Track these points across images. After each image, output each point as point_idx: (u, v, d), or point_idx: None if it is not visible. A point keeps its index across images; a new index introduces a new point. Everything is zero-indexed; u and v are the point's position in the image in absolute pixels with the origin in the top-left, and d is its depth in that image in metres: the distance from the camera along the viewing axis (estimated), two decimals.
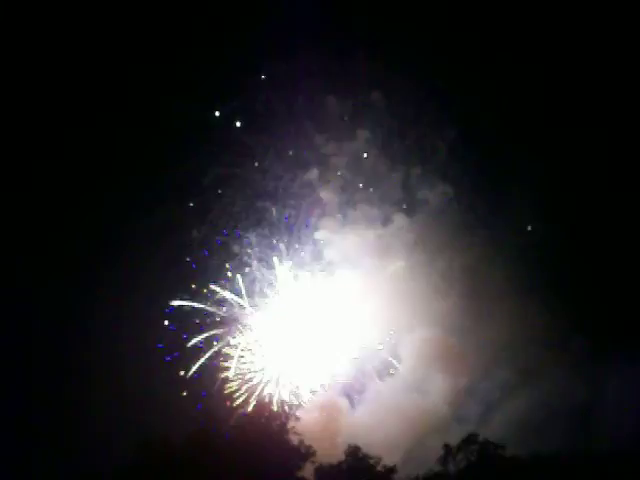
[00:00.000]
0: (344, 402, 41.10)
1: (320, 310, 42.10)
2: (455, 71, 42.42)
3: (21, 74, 40.06)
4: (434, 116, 43.60)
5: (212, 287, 40.33)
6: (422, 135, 43.97)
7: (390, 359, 42.98)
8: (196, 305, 40.38)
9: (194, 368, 39.77)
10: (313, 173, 43.90)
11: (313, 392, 40.89)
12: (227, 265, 41.43)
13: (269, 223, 42.72)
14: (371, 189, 44.52)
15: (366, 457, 37.52)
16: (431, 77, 42.47)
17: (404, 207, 44.40)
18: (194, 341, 39.77)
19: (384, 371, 42.80)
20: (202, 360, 39.81)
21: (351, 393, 41.55)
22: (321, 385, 41.18)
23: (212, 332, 40.47)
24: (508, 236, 42.93)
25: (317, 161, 43.98)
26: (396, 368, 42.87)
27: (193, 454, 31.16)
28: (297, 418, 37.15)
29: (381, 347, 43.06)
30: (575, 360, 40.78)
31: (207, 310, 40.36)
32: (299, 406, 39.79)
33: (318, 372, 41.14)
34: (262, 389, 39.73)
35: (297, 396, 40.23)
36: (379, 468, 37.53)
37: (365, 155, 44.26)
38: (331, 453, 37.72)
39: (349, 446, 37.66)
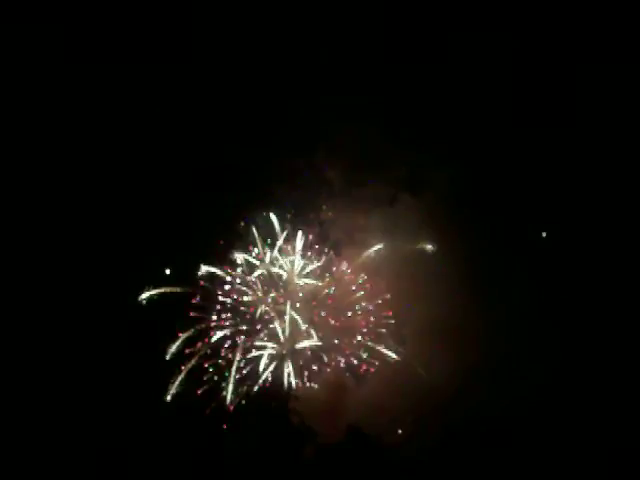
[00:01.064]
0: (347, 382, 41.07)
1: (325, 290, 41.75)
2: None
3: None
4: (443, 95, 43.07)
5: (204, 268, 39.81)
6: (430, 114, 43.38)
7: (393, 339, 42.89)
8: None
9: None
10: (319, 153, 43.73)
11: (316, 372, 40.78)
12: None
13: (275, 203, 42.44)
14: (377, 168, 44.07)
15: (367, 437, 38.19)
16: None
17: (411, 187, 43.98)
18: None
19: (387, 350, 42.58)
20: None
21: (354, 373, 41.29)
22: (324, 365, 41.04)
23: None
24: (515, 220, 42.58)
25: (323, 140, 43.76)
26: (399, 348, 42.75)
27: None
28: (297, 398, 37.62)
29: (384, 327, 42.89)
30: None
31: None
32: (301, 386, 39.86)
33: (322, 352, 40.99)
34: (264, 370, 39.68)
35: (300, 376, 40.18)
36: (380, 448, 38.23)
37: (371, 134, 43.86)
38: (332, 433, 38.30)
39: (350, 426, 38.32)
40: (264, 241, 41.54)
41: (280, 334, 39.48)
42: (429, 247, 42.77)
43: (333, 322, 41.04)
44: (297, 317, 39.83)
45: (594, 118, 41.66)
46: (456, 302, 42.61)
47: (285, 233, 41.50)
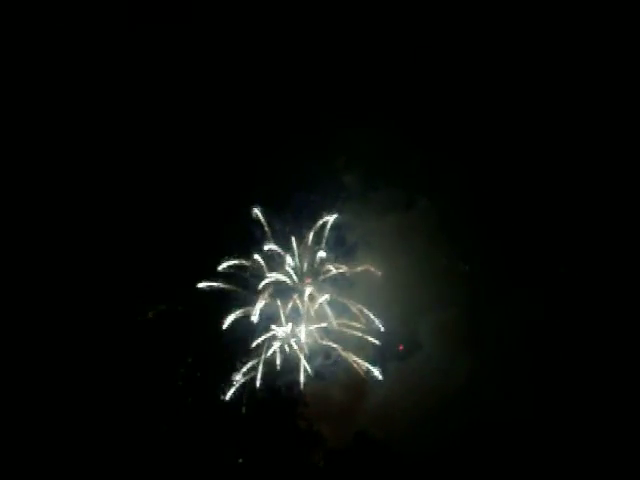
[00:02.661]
0: (360, 385, 41.87)
1: (341, 293, 42.39)
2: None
3: None
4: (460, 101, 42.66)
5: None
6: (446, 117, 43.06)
7: (410, 341, 43.56)
8: None
9: None
10: (336, 157, 44.05)
11: (331, 374, 41.78)
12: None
13: (292, 207, 42.98)
14: (393, 172, 44.18)
15: (376, 442, 39.24)
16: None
17: (427, 191, 44.06)
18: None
19: (403, 353, 43.29)
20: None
21: (369, 375, 41.95)
22: (339, 368, 41.90)
23: None
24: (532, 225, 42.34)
25: (340, 145, 44.02)
26: (415, 349, 43.39)
27: None
28: (306, 404, 38.68)
29: (401, 329, 43.51)
30: None
31: None
32: (313, 390, 40.93)
33: (336, 355, 41.84)
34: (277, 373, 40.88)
35: (313, 379, 41.26)
36: (389, 454, 39.28)
37: (388, 138, 43.87)
38: (342, 438, 39.47)
39: (359, 432, 39.40)
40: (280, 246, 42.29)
41: (294, 345, 40.69)
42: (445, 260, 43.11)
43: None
44: (312, 327, 40.92)
45: None
46: (472, 306, 43.12)
47: (306, 239, 42.22)
